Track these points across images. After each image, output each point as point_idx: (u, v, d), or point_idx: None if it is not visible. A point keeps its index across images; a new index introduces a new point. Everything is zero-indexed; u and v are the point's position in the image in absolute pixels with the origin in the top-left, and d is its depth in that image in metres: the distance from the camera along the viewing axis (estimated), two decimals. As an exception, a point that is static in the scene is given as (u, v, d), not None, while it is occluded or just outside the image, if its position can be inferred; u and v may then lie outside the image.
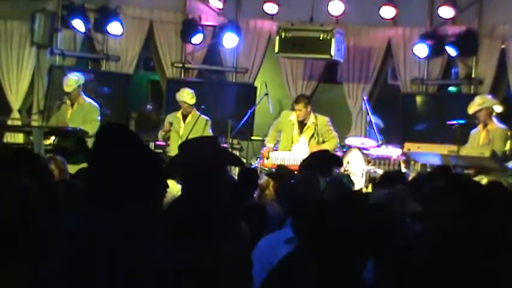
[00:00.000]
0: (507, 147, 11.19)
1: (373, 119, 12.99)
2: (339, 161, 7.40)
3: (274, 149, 11.91)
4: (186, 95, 12.01)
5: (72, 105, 11.74)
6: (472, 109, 11.12)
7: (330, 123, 11.78)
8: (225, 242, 3.37)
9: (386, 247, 3.77)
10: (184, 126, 11.99)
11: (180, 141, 11.49)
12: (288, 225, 4.82)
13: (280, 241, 4.68)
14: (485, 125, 11.17)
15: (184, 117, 12.07)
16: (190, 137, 11.59)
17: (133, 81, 14.67)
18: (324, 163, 6.96)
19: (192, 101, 12.00)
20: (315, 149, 11.29)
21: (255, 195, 7.50)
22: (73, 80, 11.71)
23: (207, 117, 12.06)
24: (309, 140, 11.67)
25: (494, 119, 11.22)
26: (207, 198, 3.80)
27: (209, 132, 11.97)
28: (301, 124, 11.75)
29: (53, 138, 11.37)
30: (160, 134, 12.25)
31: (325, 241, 3.42)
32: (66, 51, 13.81)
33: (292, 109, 12.17)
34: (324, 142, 11.66)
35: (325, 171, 6.82)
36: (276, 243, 4.70)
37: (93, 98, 12.21)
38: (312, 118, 11.70)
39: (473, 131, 11.32)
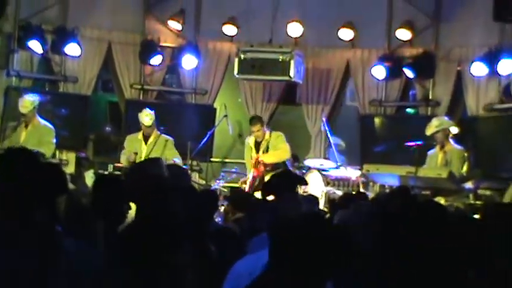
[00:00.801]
0: (464, 168, 11.30)
1: (333, 140, 13.05)
2: (301, 181, 7.37)
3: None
4: (145, 116, 11.91)
5: (26, 126, 11.63)
6: (429, 131, 11.23)
7: (282, 137, 11.82)
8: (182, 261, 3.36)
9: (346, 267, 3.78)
10: (147, 147, 11.88)
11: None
12: (262, 250, 4.77)
13: (258, 266, 4.57)
14: (442, 146, 11.28)
15: (146, 138, 11.96)
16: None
17: (92, 103, 14.56)
18: (287, 183, 6.94)
19: (148, 122, 11.87)
20: (262, 157, 11.39)
21: (216, 218, 7.50)
22: (28, 101, 11.62)
23: (168, 137, 11.94)
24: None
25: (451, 141, 11.33)
26: (158, 220, 3.78)
27: (173, 151, 11.84)
28: (256, 144, 11.79)
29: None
30: (126, 161, 11.96)
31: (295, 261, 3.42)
32: (22, 72, 13.66)
33: (250, 123, 12.19)
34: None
35: (288, 191, 6.81)
36: (253, 268, 4.58)
37: (49, 120, 12.11)
38: (266, 136, 11.77)
39: (430, 152, 11.42)
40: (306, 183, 7.57)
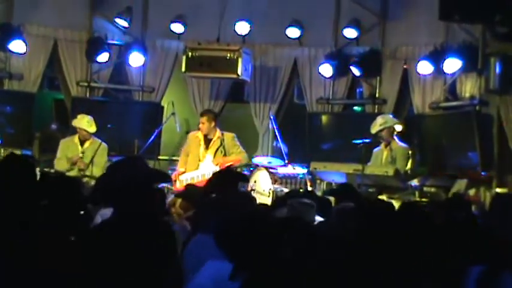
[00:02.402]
0: (408, 166, 11.44)
1: (279, 138, 13.08)
2: (243, 178, 7.41)
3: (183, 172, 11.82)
4: (86, 123, 11.83)
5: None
6: (374, 129, 11.35)
7: (236, 139, 11.77)
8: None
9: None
10: (85, 152, 11.80)
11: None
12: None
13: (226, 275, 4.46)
14: (387, 144, 11.41)
15: (82, 142, 11.88)
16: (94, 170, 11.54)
17: (38, 100, 14.37)
18: (229, 180, 6.96)
19: (93, 129, 11.82)
20: (220, 160, 11.34)
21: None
22: None
23: (102, 142, 11.93)
24: (214, 155, 11.64)
25: (396, 138, 11.47)
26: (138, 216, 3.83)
27: (105, 160, 11.81)
28: (207, 140, 11.70)
29: None
30: (67, 164, 11.87)
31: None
32: (-35, 69, 13.48)
33: (198, 129, 12.12)
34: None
35: (231, 188, 6.84)
36: (223, 278, 4.46)
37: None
38: (217, 133, 11.69)
39: (375, 150, 11.55)
40: (247, 180, 7.60)
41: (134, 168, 4.44)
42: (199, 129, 11.76)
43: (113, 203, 4.42)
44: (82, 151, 11.65)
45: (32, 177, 4.03)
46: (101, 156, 11.75)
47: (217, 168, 11.08)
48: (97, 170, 11.49)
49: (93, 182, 10.93)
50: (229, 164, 11.33)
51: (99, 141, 11.87)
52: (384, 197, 10.15)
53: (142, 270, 3.87)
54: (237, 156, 11.49)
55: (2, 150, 13.19)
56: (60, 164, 11.87)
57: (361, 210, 4.61)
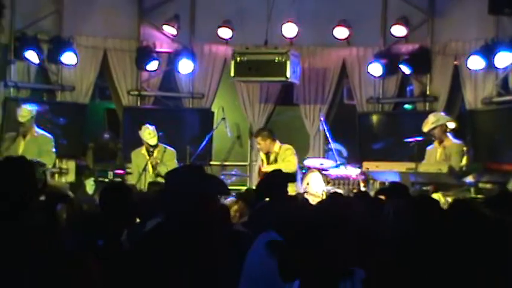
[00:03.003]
0: (463, 162, 11.31)
1: (334, 146, 13.05)
2: (290, 178, 7.40)
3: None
4: (147, 135, 11.94)
5: (24, 137, 11.65)
6: (426, 127, 11.24)
7: (291, 150, 11.83)
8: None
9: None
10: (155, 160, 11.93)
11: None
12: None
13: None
14: (441, 142, 11.29)
15: (151, 152, 11.99)
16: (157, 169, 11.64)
17: (89, 111, 14.56)
18: (277, 182, 6.94)
19: (153, 141, 11.91)
20: (266, 168, 11.40)
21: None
22: (27, 110, 11.70)
23: (172, 149, 12.01)
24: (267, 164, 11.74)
25: (450, 135, 11.34)
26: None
27: (175, 163, 11.88)
28: (267, 156, 11.85)
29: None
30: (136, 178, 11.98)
31: None
32: (20, 83, 13.66)
33: (250, 133, 12.19)
34: None
35: (280, 190, 6.83)
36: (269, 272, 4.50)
37: (47, 130, 12.16)
38: (275, 148, 11.78)
39: (429, 148, 11.43)
40: (294, 180, 7.59)
41: (193, 177, 4.46)
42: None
43: (168, 211, 4.44)
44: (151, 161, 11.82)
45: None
46: (169, 160, 11.83)
47: None
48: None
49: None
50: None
51: (169, 148, 11.98)
52: (439, 195, 10.03)
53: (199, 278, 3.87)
54: (283, 166, 11.32)
55: (58, 161, 13.37)
56: (131, 178, 12.12)
57: (411, 209, 4.56)
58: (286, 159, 11.72)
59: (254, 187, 11.29)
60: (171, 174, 4.55)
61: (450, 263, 3.92)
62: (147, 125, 12.06)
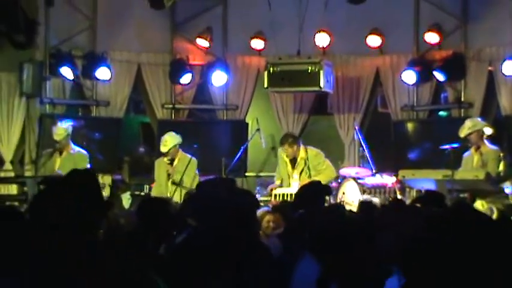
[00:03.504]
0: (500, 168, 11.20)
1: (366, 150, 12.99)
2: (328, 190, 7.36)
3: (280, 185, 11.90)
4: (162, 146, 11.97)
5: (60, 153, 11.79)
6: (463, 133, 11.16)
7: (321, 155, 11.76)
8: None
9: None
10: (173, 170, 11.93)
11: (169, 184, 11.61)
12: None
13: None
14: (477, 148, 11.20)
15: (171, 160, 12.03)
16: (184, 179, 11.64)
17: (124, 125, 14.68)
18: (313, 193, 6.92)
19: (164, 148, 11.91)
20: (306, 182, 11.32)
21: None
22: (62, 128, 11.83)
23: (191, 157, 11.99)
24: (300, 174, 11.66)
25: (486, 141, 11.25)
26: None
27: (195, 172, 11.90)
28: (293, 160, 11.78)
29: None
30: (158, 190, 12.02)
31: None
32: (55, 99, 13.80)
33: (280, 144, 12.17)
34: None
35: (316, 202, 6.81)
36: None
37: (84, 145, 12.29)
38: (301, 153, 11.70)
39: (465, 155, 11.34)
40: (330, 193, 7.54)
41: (227, 191, 4.47)
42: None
43: (200, 222, 4.46)
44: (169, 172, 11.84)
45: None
46: (190, 169, 11.85)
47: None
48: (187, 181, 11.65)
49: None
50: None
51: (187, 155, 11.99)
52: (482, 203, 9.97)
53: None
54: (323, 177, 11.25)
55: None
56: (155, 191, 12.11)
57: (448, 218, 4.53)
58: (322, 167, 11.67)
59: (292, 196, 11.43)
60: (202, 187, 4.57)
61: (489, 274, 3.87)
62: (165, 134, 12.12)
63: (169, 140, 11.92)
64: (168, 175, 11.89)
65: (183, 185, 11.63)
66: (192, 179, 11.72)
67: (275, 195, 11.65)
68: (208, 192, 4.55)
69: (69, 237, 3.16)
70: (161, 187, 11.95)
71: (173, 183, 11.79)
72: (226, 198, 4.39)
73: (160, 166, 12.10)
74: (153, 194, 12.03)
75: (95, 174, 3.76)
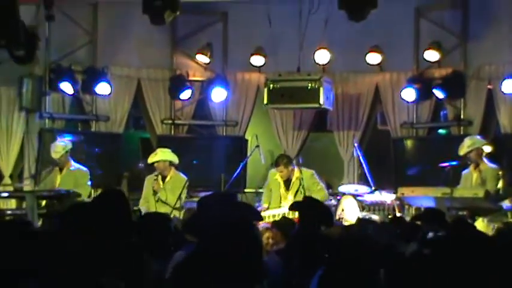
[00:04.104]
0: (499, 186, 11.20)
1: (365, 167, 12.99)
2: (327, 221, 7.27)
3: (267, 208, 11.82)
4: (152, 156, 11.94)
5: (61, 170, 11.78)
6: (462, 151, 11.16)
7: (315, 176, 11.71)
8: None
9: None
10: (164, 186, 11.87)
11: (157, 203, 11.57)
12: None
13: None
14: (476, 166, 11.20)
15: (163, 177, 11.98)
16: (169, 197, 11.59)
17: (124, 140, 14.66)
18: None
19: (150, 159, 11.91)
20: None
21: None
22: (60, 146, 11.79)
23: (184, 177, 11.94)
24: (294, 196, 11.63)
25: (485, 159, 11.25)
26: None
27: (184, 193, 11.83)
28: (287, 182, 11.73)
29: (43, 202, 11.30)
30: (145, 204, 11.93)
31: None
32: (55, 114, 13.80)
33: (275, 165, 12.10)
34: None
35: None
36: None
37: (82, 160, 12.25)
38: (296, 173, 11.67)
39: (464, 172, 11.35)
40: (331, 224, 7.45)
41: (228, 206, 4.47)
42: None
43: (203, 240, 4.44)
44: (163, 188, 11.79)
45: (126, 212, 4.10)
46: (177, 188, 11.78)
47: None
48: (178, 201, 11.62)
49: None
50: None
51: (181, 175, 11.92)
52: (479, 221, 9.97)
53: None
54: (315, 195, 11.22)
55: (93, 191, 13.45)
56: (141, 203, 12.01)
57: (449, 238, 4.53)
58: (317, 189, 11.61)
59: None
60: (203, 202, 4.56)
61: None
62: (159, 149, 12.15)
63: (160, 154, 11.90)
64: (154, 192, 11.81)
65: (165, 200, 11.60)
66: (182, 200, 11.72)
67: (265, 218, 11.55)
68: (209, 207, 4.55)
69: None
70: (148, 203, 11.88)
71: (159, 200, 11.74)
72: (227, 214, 4.38)
73: (149, 182, 12.03)
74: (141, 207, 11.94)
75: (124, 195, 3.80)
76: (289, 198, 11.62)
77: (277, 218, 10.84)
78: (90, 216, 3.67)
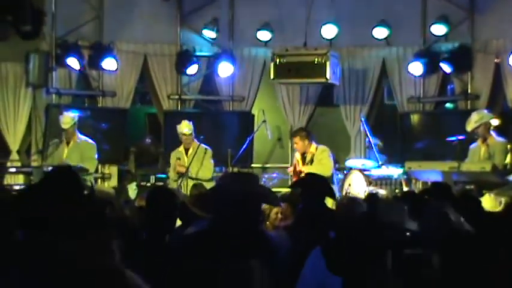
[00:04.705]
0: (507, 160, 11.18)
1: (372, 139, 12.99)
2: (330, 194, 7.28)
3: None
4: (184, 127, 11.98)
5: (67, 143, 11.82)
6: (470, 126, 11.13)
7: (327, 152, 11.64)
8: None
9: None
10: (188, 158, 11.95)
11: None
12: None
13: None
14: (484, 140, 11.18)
15: (186, 150, 12.03)
16: (191, 167, 11.64)
17: (131, 116, 14.67)
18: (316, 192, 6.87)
19: (188, 132, 11.93)
20: (303, 168, 11.36)
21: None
22: (69, 117, 11.87)
23: (206, 147, 12.00)
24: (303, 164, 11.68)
25: (493, 133, 11.23)
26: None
27: (210, 162, 11.92)
28: (303, 157, 11.75)
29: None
30: (173, 173, 12.03)
31: None
32: (62, 89, 13.80)
33: (291, 135, 12.16)
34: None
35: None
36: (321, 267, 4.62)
37: (90, 135, 12.28)
38: (312, 149, 11.67)
39: (472, 146, 11.33)
40: (334, 197, 7.48)
41: (249, 185, 4.50)
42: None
43: (218, 214, 4.47)
44: (178, 157, 11.83)
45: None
46: (207, 159, 11.86)
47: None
48: (205, 173, 11.71)
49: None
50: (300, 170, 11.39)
51: (203, 146, 11.98)
52: (487, 197, 9.97)
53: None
54: (317, 169, 11.20)
55: (100, 167, 13.51)
56: (171, 174, 12.12)
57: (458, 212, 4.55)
58: (323, 162, 11.62)
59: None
60: (223, 179, 4.61)
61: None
62: (184, 120, 12.18)
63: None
64: (178, 172, 11.85)
65: (195, 176, 11.63)
66: (210, 171, 11.87)
67: None
68: (227, 186, 4.58)
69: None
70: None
71: (180, 174, 11.78)
72: (236, 190, 4.41)
73: (176, 157, 12.06)
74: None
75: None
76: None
77: None
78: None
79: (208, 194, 4.81)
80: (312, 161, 11.65)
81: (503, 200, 9.78)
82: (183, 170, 11.73)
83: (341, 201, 7.44)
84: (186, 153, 11.96)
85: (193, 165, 11.72)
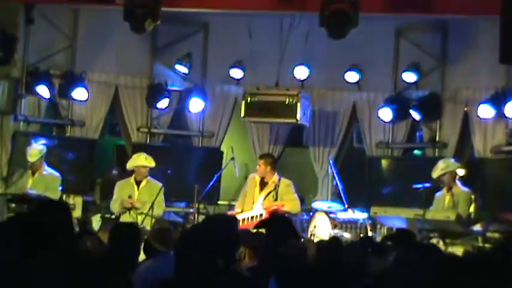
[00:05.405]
0: (471, 210, 11.26)
1: (339, 182, 13.01)
2: (294, 235, 7.25)
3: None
4: (144, 159, 11.92)
5: (33, 174, 11.76)
6: (435, 173, 11.21)
7: (292, 187, 11.77)
8: None
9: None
10: (139, 192, 11.86)
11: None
12: None
13: None
14: (449, 189, 11.26)
15: (138, 182, 11.95)
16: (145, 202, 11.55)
17: (99, 147, 14.58)
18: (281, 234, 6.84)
19: (151, 163, 11.90)
20: (267, 204, 11.37)
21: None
22: (36, 150, 11.86)
23: (158, 182, 11.94)
24: (266, 196, 11.68)
25: (458, 183, 11.32)
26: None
27: (163, 199, 11.86)
28: (262, 182, 11.80)
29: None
30: (119, 207, 11.84)
31: None
32: (30, 117, 13.71)
33: (258, 157, 12.26)
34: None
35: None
36: None
37: (56, 165, 12.19)
38: (274, 178, 11.73)
39: (437, 194, 11.40)
40: (298, 238, 7.46)
41: (232, 227, 4.49)
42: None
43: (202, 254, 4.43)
44: (129, 195, 11.73)
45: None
46: (160, 196, 11.79)
47: (263, 212, 11.25)
48: (158, 210, 11.58)
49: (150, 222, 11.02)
50: (274, 208, 11.37)
51: (156, 181, 11.91)
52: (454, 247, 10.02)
53: None
54: (287, 207, 11.39)
55: (64, 197, 13.37)
56: (115, 206, 11.94)
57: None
58: (291, 197, 11.67)
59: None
60: (209, 221, 4.59)
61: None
62: (140, 153, 12.20)
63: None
64: (129, 197, 11.74)
65: (147, 213, 11.56)
66: (163, 208, 11.87)
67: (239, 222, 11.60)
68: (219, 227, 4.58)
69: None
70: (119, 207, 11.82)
71: (136, 209, 11.68)
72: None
73: (124, 189, 11.95)
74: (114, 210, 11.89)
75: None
76: (260, 199, 11.72)
77: (250, 221, 10.97)
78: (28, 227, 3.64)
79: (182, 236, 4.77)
80: (276, 193, 11.62)
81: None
82: (130, 206, 11.66)
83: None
84: (138, 185, 11.89)
85: (147, 200, 11.64)
